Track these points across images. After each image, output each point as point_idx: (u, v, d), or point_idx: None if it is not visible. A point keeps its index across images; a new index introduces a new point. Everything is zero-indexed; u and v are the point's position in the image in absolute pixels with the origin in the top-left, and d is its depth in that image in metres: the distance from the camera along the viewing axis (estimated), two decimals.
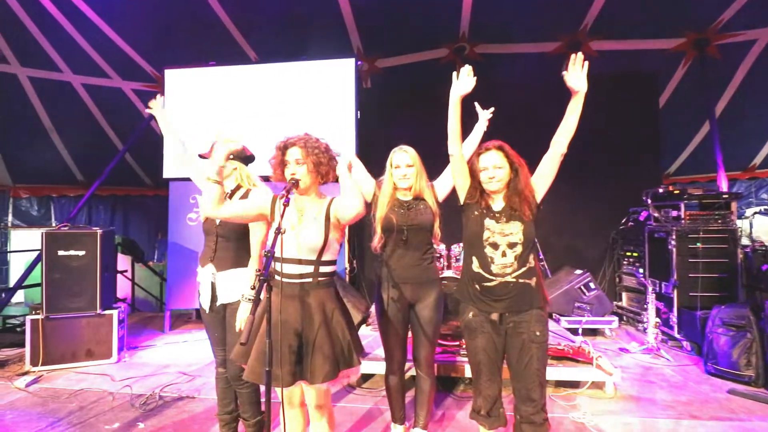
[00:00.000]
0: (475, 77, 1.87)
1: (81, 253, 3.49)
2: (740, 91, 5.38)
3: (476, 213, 1.89)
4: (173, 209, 4.66)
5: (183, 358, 3.73)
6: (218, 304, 2.07)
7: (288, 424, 1.75)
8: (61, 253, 3.45)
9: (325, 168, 1.72)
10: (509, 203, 1.87)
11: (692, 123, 5.83)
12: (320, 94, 4.83)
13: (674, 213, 4.05)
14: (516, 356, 1.86)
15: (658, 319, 3.83)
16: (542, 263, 4.08)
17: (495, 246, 1.85)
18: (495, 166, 1.86)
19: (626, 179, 4.99)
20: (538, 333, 1.84)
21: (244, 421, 2.21)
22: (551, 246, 5.05)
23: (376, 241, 2.20)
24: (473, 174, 1.92)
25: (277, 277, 1.67)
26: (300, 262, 1.66)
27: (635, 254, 4.69)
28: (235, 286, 2.04)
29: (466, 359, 3.08)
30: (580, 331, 4.10)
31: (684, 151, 6.26)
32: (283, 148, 1.73)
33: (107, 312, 3.59)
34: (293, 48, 5.47)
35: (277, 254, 1.59)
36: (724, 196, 3.94)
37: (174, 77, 5.15)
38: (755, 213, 4.63)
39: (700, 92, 5.24)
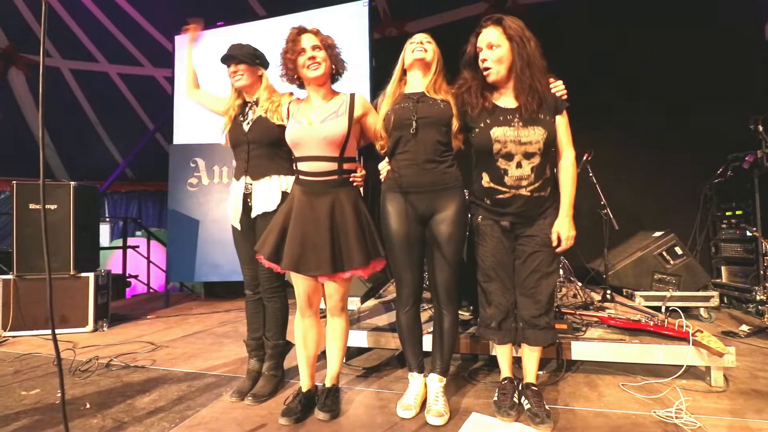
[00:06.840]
0: None
1: (53, 207, 3.13)
2: None
3: (482, 125, 1.63)
4: (173, 174, 4.27)
5: (164, 332, 3.24)
6: (254, 214, 1.87)
7: (303, 333, 1.77)
8: (32, 206, 3.12)
9: (338, 54, 1.69)
10: (523, 102, 1.57)
11: None
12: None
13: None
14: (523, 262, 1.68)
15: None
16: (605, 212, 3.09)
17: (509, 157, 1.61)
18: (490, 45, 1.56)
19: (721, 126, 3.81)
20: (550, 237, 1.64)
21: (265, 340, 2.02)
22: (623, 211, 3.76)
23: (381, 142, 1.74)
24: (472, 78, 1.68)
25: (301, 177, 1.68)
26: (320, 159, 1.62)
27: (739, 212, 3.49)
28: (272, 194, 1.83)
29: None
30: (663, 310, 3.03)
31: None
32: (297, 35, 1.65)
33: (84, 275, 3.20)
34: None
35: (298, 153, 1.66)
36: None
37: (184, 43, 4.86)
38: None
39: None
